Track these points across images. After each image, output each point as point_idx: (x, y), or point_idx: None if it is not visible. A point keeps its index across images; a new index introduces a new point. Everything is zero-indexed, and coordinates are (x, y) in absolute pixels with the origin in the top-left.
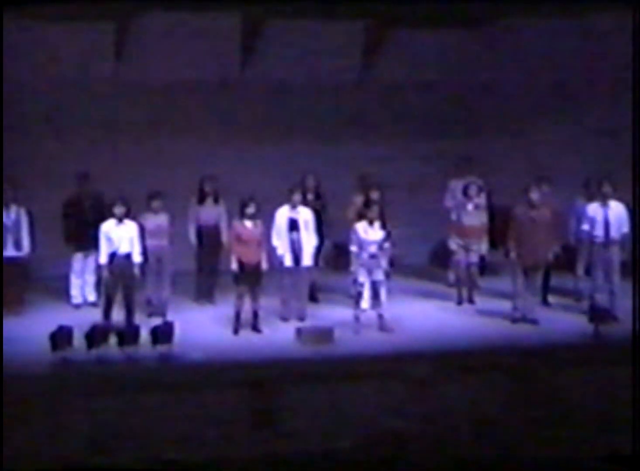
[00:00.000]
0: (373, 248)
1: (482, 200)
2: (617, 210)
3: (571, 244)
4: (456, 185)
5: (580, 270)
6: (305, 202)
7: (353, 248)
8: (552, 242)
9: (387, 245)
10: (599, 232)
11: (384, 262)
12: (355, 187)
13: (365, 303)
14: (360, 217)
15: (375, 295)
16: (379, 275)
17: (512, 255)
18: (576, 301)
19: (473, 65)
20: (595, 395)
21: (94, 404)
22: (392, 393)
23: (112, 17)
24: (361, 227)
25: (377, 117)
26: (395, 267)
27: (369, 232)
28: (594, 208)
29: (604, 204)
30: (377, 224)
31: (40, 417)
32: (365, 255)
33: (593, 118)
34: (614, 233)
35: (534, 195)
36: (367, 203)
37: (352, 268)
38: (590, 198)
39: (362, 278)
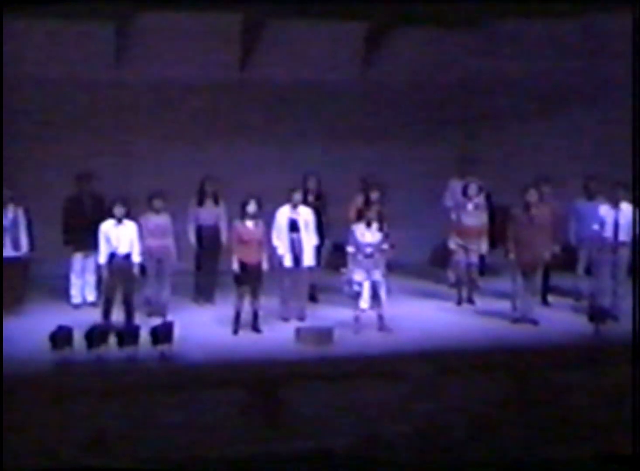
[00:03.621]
0: (369, 250)
1: (481, 200)
2: (627, 212)
3: (571, 244)
4: (456, 185)
5: (580, 269)
6: (306, 203)
7: (350, 248)
8: (551, 242)
9: (385, 246)
10: (608, 233)
11: (381, 262)
12: (357, 187)
13: (364, 303)
14: (359, 217)
15: (374, 295)
16: (377, 275)
17: (511, 255)
18: (576, 301)
19: (472, 65)
20: (595, 394)
21: (94, 404)
22: (392, 393)
23: (112, 17)
24: (359, 229)
25: (377, 117)
26: (394, 267)
27: (366, 235)
28: (605, 209)
29: (616, 206)
30: (374, 226)
31: (40, 417)
32: (360, 257)
33: (593, 118)
34: (623, 236)
35: (531, 197)
36: (367, 204)
37: (349, 267)
38: (591, 198)
39: (359, 277)
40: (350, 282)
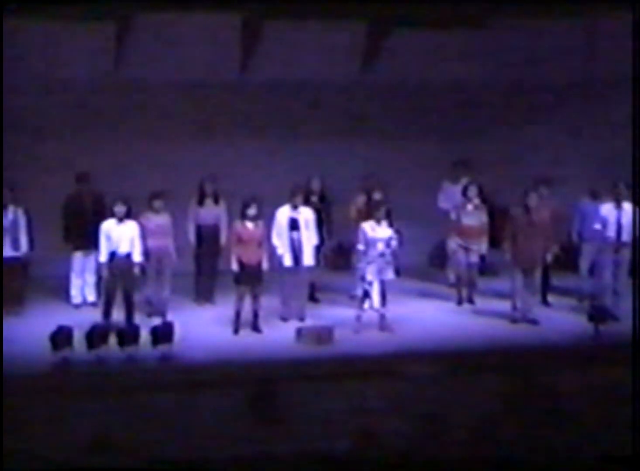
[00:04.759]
0: (381, 246)
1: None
2: (629, 212)
3: (573, 243)
4: (450, 186)
5: (583, 269)
6: (309, 204)
7: (360, 246)
8: (549, 243)
9: (394, 242)
10: (610, 233)
11: (392, 260)
12: (359, 187)
13: (368, 303)
14: (367, 216)
15: (382, 295)
16: (389, 274)
17: (507, 255)
18: (579, 301)
19: (473, 66)
20: (595, 395)
21: (94, 404)
22: (392, 393)
23: (112, 17)
24: (368, 225)
25: (377, 117)
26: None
27: (377, 230)
28: (607, 209)
29: (618, 206)
30: (384, 223)
31: (40, 417)
32: (373, 253)
33: (593, 118)
34: (626, 235)
35: (531, 201)
36: (370, 203)
37: (359, 265)
38: (595, 197)
39: (371, 276)
40: (362, 280)
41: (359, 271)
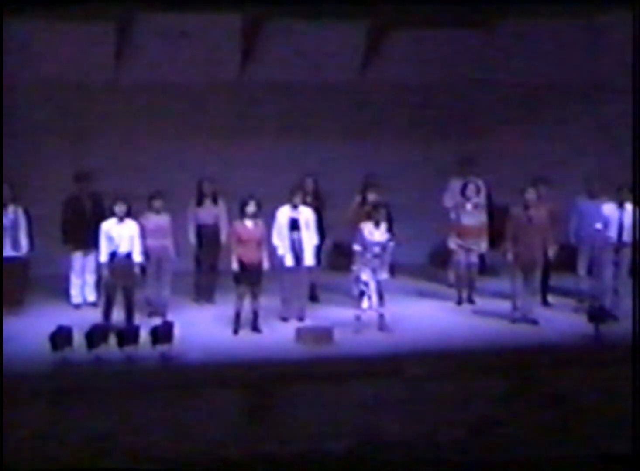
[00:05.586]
0: (377, 249)
1: (481, 199)
2: (631, 212)
3: (571, 243)
4: (456, 184)
5: (582, 270)
6: (305, 204)
7: (357, 247)
8: (549, 242)
9: (391, 244)
10: (612, 233)
11: (387, 261)
12: (357, 188)
13: (367, 302)
14: (368, 217)
15: (379, 295)
16: (384, 274)
17: (509, 254)
18: (579, 302)
19: (473, 65)
20: (595, 395)
21: (94, 404)
22: (391, 393)
23: (112, 17)
24: (366, 227)
25: (377, 117)
26: (394, 267)
27: (375, 233)
28: (610, 209)
29: (621, 206)
30: (383, 226)
31: (40, 417)
32: (369, 255)
33: (593, 118)
34: (627, 236)
35: (530, 196)
36: (364, 204)
37: (355, 267)
38: (593, 197)
39: (366, 277)
40: (357, 281)
41: (354, 272)
